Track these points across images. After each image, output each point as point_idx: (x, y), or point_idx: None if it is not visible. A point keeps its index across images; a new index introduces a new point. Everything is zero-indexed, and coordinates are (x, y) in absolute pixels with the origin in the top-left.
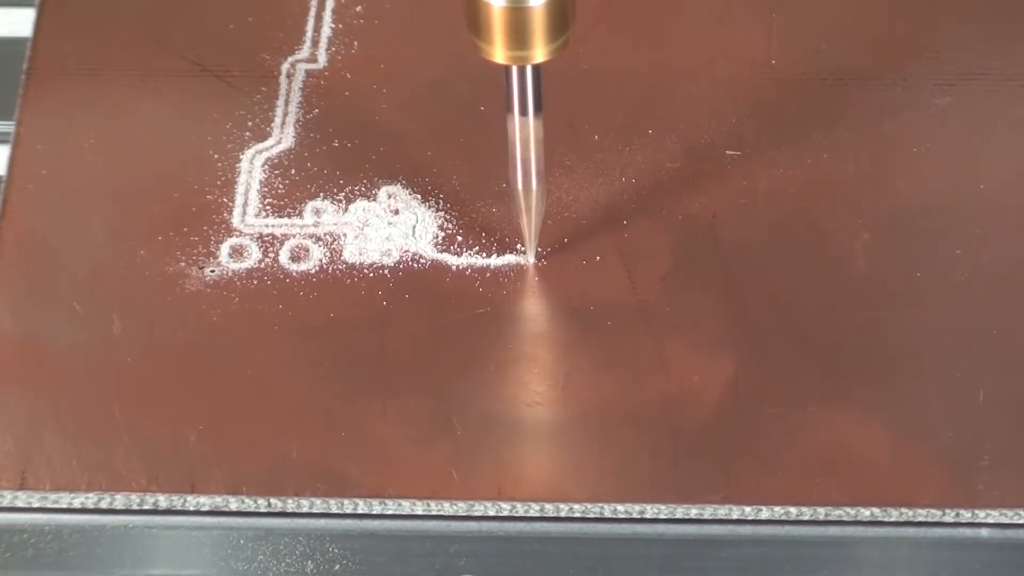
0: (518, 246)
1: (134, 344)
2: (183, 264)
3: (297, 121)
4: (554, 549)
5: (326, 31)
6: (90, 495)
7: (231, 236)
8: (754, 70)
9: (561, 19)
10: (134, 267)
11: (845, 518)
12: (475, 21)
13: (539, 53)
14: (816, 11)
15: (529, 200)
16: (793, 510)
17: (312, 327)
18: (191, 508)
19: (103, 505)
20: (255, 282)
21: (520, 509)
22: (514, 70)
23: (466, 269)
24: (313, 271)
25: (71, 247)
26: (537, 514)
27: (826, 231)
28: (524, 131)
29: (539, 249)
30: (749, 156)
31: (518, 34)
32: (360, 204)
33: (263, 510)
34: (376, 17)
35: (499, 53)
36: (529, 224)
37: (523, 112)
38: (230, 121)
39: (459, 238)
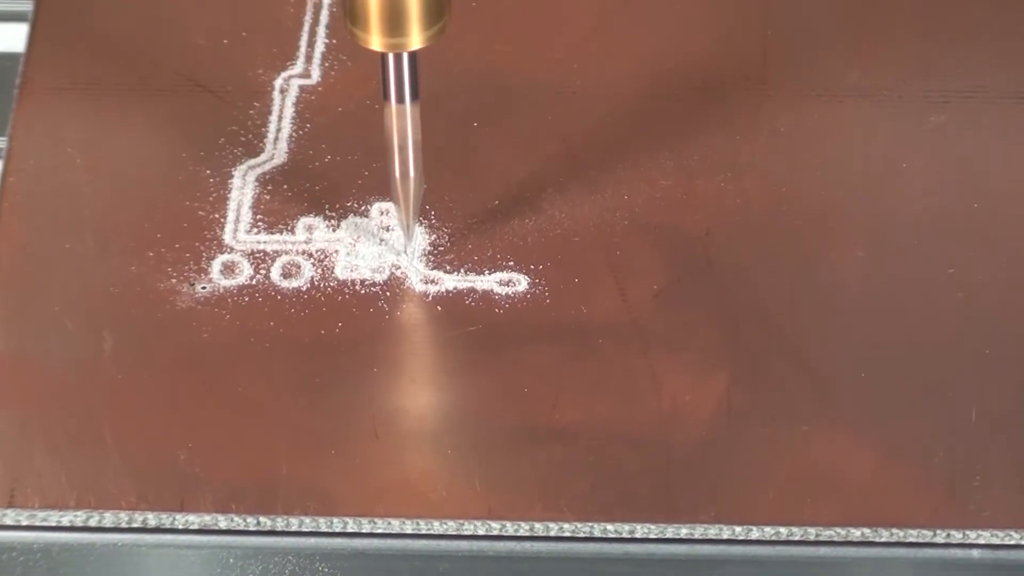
0: (510, 263)
1: (124, 361)
2: (174, 280)
3: (290, 137)
4: (544, 568)
5: (320, 47)
6: (79, 513)
7: (223, 252)
8: (748, 86)
9: (436, 6)
10: (125, 283)
11: (836, 538)
12: (351, 10)
13: (415, 40)
14: (810, 28)
15: (407, 187)
16: (784, 530)
17: (303, 344)
18: (180, 526)
19: (92, 523)
20: (247, 299)
21: (510, 528)
22: (391, 58)
23: (457, 286)
24: (305, 288)
25: (62, 263)
26: (527, 533)
27: (819, 249)
28: (401, 119)
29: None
30: (742, 173)
31: (394, 21)
32: (352, 221)
33: (252, 528)
34: None
35: (376, 41)
36: (407, 211)
37: (399, 100)
38: (223, 137)
39: (451, 255)
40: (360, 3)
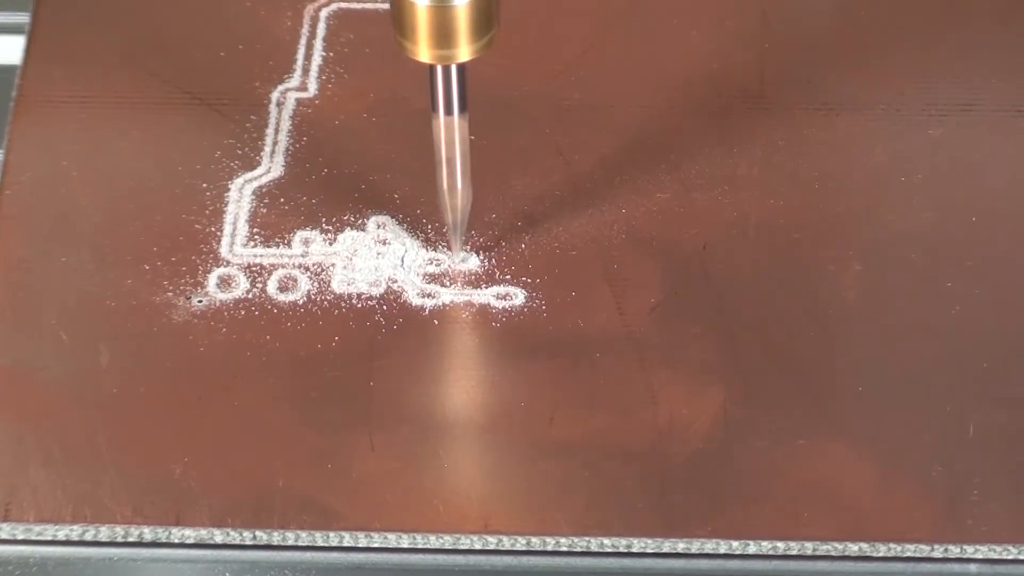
0: (507, 276)
1: (120, 374)
2: (170, 294)
3: (287, 150)
4: None
5: (317, 60)
6: (75, 527)
7: (219, 266)
8: (746, 100)
9: (485, 18)
10: (121, 297)
11: (833, 553)
12: (400, 21)
13: (464, 52)
14: (808, 41)
15: (455, 199)
16: (781, 544)
17: (299, 358)
18: (176, 540)
19: (88, 537)
20: (243, 312)
21: (507, 542)
22: (439, 69)
23: (454, 300)
24: (301, 301)
25: (58, 276)
26: (524, 547)
27: (817, 262)
28: (449, 131)
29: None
30: (740, 187)
31: (443, 33)
32: (349, 234)
33: (248, 543)
34: (367, 46)
35: (424, 52)
36: (455, 224)
37: (448, 111)
38: (219, 150)
39: (447, 269)
40: (409, 15)
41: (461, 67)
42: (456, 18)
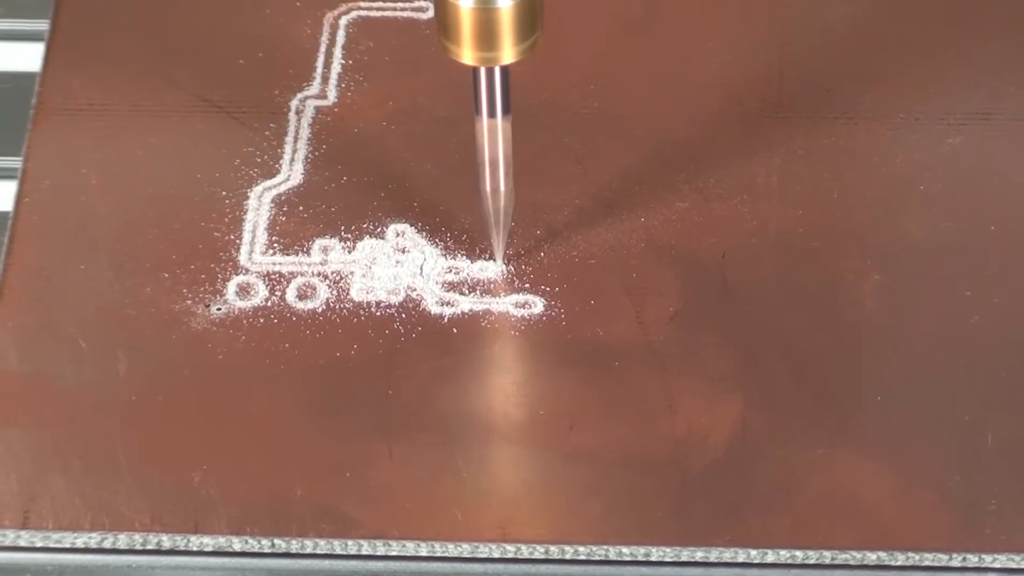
0: (526, 285)
1: (139, 382)
2: (189, 302)
3: (306, 158)
4: None
5: (336, 67)
6: (93, 535)
7: (238, 274)
8: (765, 109)
9: (530, 20)
10: (140, 304)
11: (852, 562)
12: (444, 22)
13: (507, 54)
14: (826, 51)
15: (497, 202)
16: (799, 553)
17: (318, 366)
18: (195, 548)
19: (106, 545)
20: (262, 320)
21: (525, 551)
22: (482, 71)
23: (473, 308)
24: (320, 310)
25: (77, 284)
26: (542, 556)
27: (836, 272)
28: (492, 133)
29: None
30: (759, 196)
31: (487, 35)
32: (368, 242)
33: (267, 551)
34: (386, 54)
35: (467, 54)
36: (497, 227)
37: (491, 114)
38: (238, 158)
39: (467, 277)
40: (453, 17)
41: (504, 69)
42: (500, 20)
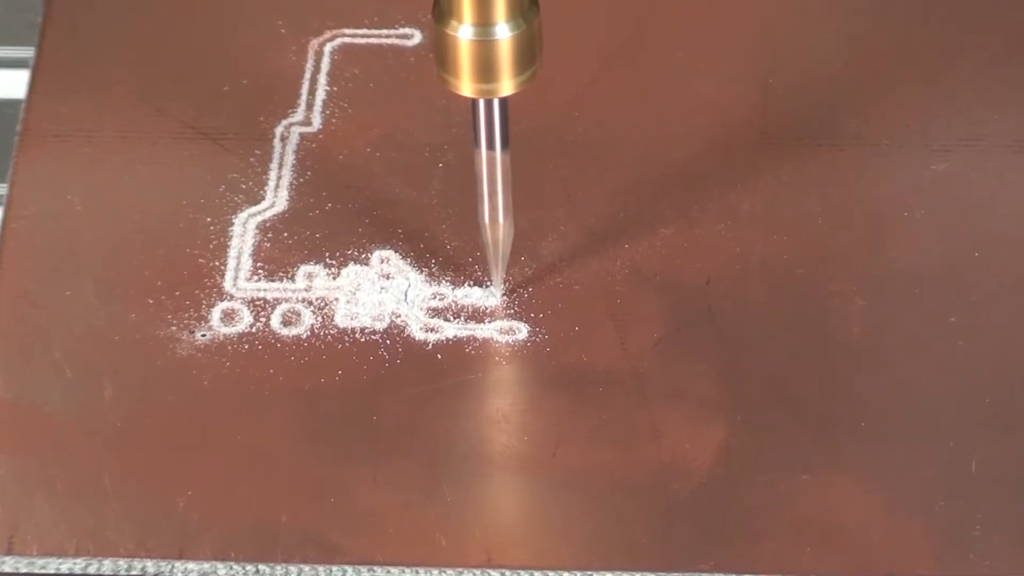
0: (510, 311)
1: (124, 408)
2: (174, 328)
3: (291, 184)
4: None
5: (321, 94)
6: (78, 560)
7: (223, 300)
8: (749, 135)
9: (529, 52)
10: (125, 331)
11: None
12: (442, 54)
13: (506, 86)
14: (812, 76)
15: (496, 234)
16: None
17: (303, 392)
18: (179, 574)
19: (91, 571)
20: (246, 346)
21: None
22: (481, 103)
23: (457, 334)
24: (305, 336)
25: (62, 310)
26: None
27: (821, 298)
28: (491, 165)
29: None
30: (743, 222)
31: (485, 67)
32: (352, 268)
33: None
34: (371, 80)
35: (466, 86)
36: (496, 259)
37: (490, 146)
38: (223, 184)
39: (451, 303)
40: (451, 49)
41: (503, 101)
42: (499, 52)
